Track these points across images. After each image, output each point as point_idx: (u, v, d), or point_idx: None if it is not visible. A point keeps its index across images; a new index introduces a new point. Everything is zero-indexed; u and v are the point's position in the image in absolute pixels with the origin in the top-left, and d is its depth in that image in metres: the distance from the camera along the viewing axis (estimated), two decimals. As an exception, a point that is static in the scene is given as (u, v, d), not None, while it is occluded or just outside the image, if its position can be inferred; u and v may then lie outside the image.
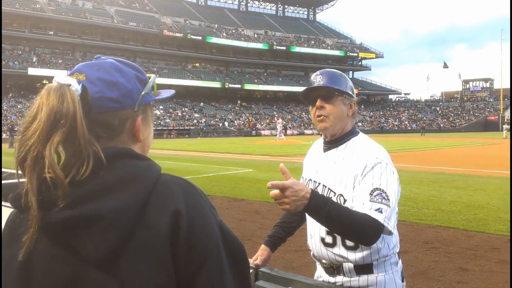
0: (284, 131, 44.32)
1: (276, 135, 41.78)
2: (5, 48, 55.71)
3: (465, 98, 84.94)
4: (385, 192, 1.70)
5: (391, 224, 1.68)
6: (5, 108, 46.55)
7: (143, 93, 1.00)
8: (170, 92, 1.11)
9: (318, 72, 1.97)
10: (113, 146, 0.94)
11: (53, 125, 0.86)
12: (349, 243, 1.84)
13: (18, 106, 48.00)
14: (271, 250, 2.16)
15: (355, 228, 1.61)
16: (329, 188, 1.89)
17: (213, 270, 0.88)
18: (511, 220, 6.91)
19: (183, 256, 0.86)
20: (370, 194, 1.70)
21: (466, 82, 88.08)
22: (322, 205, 1.55)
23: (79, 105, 0.89)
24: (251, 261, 2.07)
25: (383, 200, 1.68)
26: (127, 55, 60.34)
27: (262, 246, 2.17)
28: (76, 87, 0.91)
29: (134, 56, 63.55)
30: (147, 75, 1.06)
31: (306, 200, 1.53)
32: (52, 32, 57.60)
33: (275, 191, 1.53)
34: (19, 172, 0.88)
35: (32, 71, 49.69)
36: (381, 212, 1.65)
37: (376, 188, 1.71)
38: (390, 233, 1.71)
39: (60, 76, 0.93)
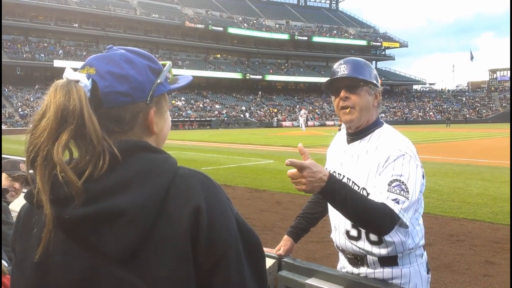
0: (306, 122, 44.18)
1: (299, 126, 41.84)
2: (32, 40, 57.01)
3: (493, 88, 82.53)
4: (405, 185, 1.67)
5: (407, 217, 1.65)
6: (31, 99, 47.73)
7: (158, 81, 0.96)
8: (188, 78, 1.06)
9: (341, 61, 1.92)
10: (128, 139, 0.92)
11: (60, 123, 0.85)
12: (373, 237, 1.82)
13: (44, 98, 49.10)
14: (294, 241, 2.17)
15: (368, 215, 1.59)
16: (353, 181, 1.87)
17: (232, 262, 0.88)
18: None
19: (203, 250, 0.86)
20: (389, 185, 1.68)
21: (493, 71, 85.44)
22: (338, 188, 1.54)
23: (86, 101, 0.87)
24: (273, 250, 2.08)
25: (402, 192, 1.66)
26: (149, 47, 60.87)
27: (285, 236, 2.17)
28: (85, 82, 0.89)
29: (156, 48, 64.03)
30: (162, 63, 1.01)
31: (323, 183, 1.51)
32: (76, 25, 58.47)
33: (293, 170, 1.52)
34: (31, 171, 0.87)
35: (57, 63, 50.54)
36: (397, 203, 1.63)
37: (396, 180, 1.69)
38: (406, 226, 1.67)
39: (69, 72, 0.91)
